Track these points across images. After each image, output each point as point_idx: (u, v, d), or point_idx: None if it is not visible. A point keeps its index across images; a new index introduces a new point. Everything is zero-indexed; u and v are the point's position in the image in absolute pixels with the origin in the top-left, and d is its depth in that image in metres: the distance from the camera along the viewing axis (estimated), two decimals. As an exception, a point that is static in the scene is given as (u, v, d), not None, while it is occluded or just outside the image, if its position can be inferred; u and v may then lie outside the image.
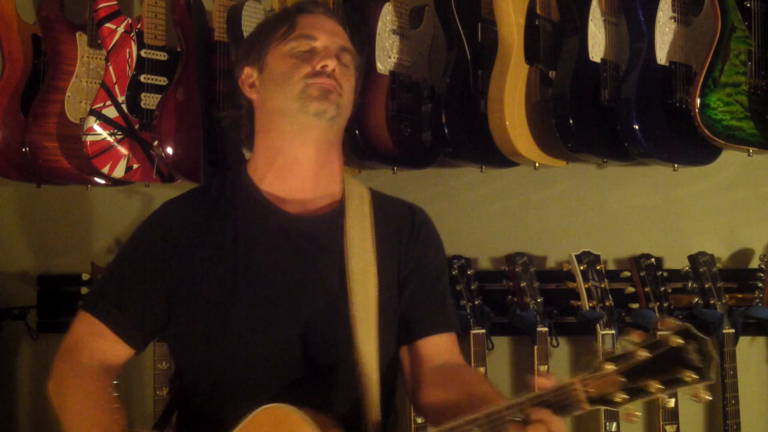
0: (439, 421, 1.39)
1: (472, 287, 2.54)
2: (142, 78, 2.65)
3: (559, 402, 1.30)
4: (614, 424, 2.36)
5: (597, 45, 2.36)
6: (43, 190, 2.89)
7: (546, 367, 2.45)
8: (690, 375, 1.24)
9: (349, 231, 1.64)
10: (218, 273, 1.60)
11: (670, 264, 2.51)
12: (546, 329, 2.47)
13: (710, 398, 1.28)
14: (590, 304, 2.40)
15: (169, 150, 2.58)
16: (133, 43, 2.64)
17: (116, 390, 1.60)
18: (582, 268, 2.42)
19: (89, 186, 2.82)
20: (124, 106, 2.62)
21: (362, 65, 1.73)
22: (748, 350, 2.51)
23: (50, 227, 3.13)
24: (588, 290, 2.41)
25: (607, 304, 2.41)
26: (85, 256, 2.95)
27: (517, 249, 2.58)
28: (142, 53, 2.65)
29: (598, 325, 2.39)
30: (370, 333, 1.58)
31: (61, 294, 3.01)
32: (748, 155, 2.34)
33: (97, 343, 1.61)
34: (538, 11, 2.39)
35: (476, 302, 2.53)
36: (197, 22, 2.61)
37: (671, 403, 1.32)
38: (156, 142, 2.59)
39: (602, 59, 2.36)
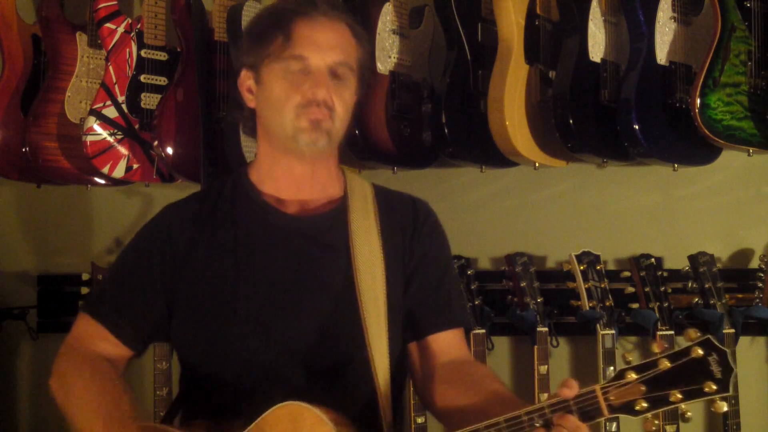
0: (452, 422, 1.39)
1: (472, 287, 2.54)
2: (142, 78, 2.65)
3: (579, 409, 1.31)
4: (614, 425, 2.36)
5: (597, 45, 2.36)
6: (43, 190, 2.89)
7: (546, 367, 2.44)
8: (710, 386, 1.27)
9: (353, 227, 1.64)
10: (219, 274, 1.60)
11: (670, 264, 2.51)
12: (546, 329, 2.47)
13: (727, 409, 1.30)
14: (590, 304, 2.40)
15: (169, 150, 2.58)
16: (133, 43, 2.64)
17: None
18: (582, 268, 2.41)
19: (89, 186, 2.82)
20: (124, 106, 2.63)
21: (367, 60, 1.71)
22: (748, 350, 2.52)
23: (50, 227, 3.13)
24: (588, 290, 2.41)
25: (607, 304, 2.41)
26: (85, 256, 2.95)
27: (517, 249, 2.58)
28: (142, 53, 2.65)
29: (598, 325, 2.39)
30: (380, 329, 1.58)
31: (61, 294, 3.01)
32: (748, 155, 2.34)
33: (97, 344, 1.62)
34: (538, 11, 2.39)
35: (476, 302, 2.53)
36: (197, 22, 2.61)
37: (690, 413, 1.33)
38: (156, 142, 2.59)
39: (602, 59, 2.36)
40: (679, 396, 1.28)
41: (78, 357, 1.60)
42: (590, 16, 2.33)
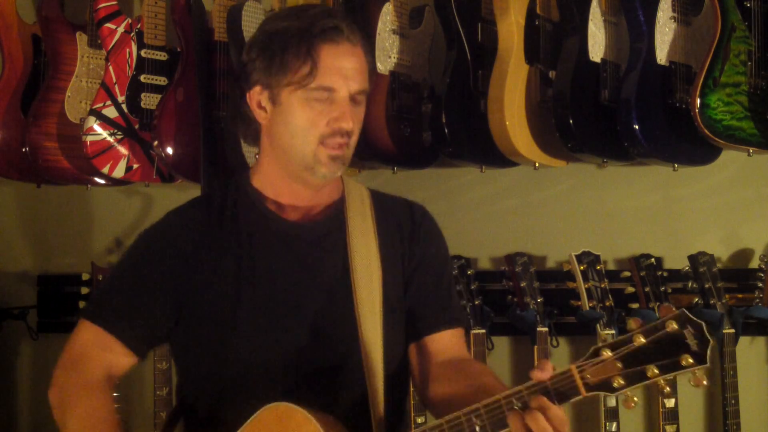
0: (444, 414, 1.39)
1: (472, 287, 2.54)
2: (142, 78, 2.65)
3: (557, 389, 1.31)
4: (614, 424, 2.36)
5: (597, 45, 2.36)
6: (43, 190, 2.89)
7: (546, 367, 2.44)
8: (687, 359, 1.27)
9: (351, 228, 1.65)
10: (223, 280, 1.61)
11: (670, 264, 2.51)
12: (546, 329, 2.47)
13: (707, 384, 1.30)
14: (590, 304, 2.40)
15: (169, 150, 2.58)
16: (133, 43, 2.64)
17: (117, 400, 1.60)
18: (582, 268, 2.41)
19: (89, 186, 2.82)
20: (124, 106, 2.63)
21: (373, 67, 1.70)
22: (748, 350, 2.52)
23: (50, 227, 3.13)
24: (588, 290, 2.41)
25: (607, 304, 2.41)
26: (85, 256, 2.95)
27: (517, 249, 2.58)
28: (142, 53, 2.65)
29: (598, 325, 2.39)
30: (375, 330, 1.59)
31: (61, 294, 3.01)
32: (748, 155, 2.34)
33: (102, 355, 1.62)
34: (538, 11, 2.40)
35: (476, 302, 2.53)
36: (197, 22, 2.61)
37: (669, 390, 1.33)
38: (156, 142, 2.59)
39: (602, 59, 2.36)
40: (656, 371, 1.28)
41: (81, 379, 1.60)
42: (590, 16, 2.33)
